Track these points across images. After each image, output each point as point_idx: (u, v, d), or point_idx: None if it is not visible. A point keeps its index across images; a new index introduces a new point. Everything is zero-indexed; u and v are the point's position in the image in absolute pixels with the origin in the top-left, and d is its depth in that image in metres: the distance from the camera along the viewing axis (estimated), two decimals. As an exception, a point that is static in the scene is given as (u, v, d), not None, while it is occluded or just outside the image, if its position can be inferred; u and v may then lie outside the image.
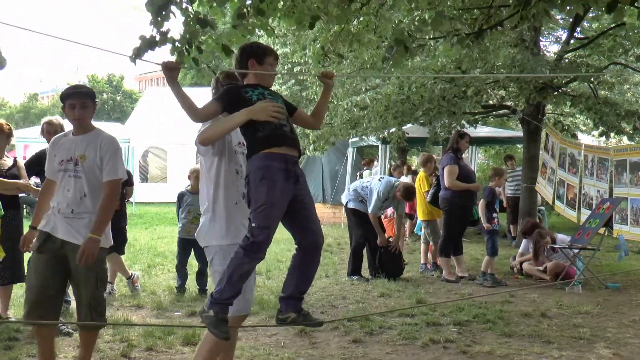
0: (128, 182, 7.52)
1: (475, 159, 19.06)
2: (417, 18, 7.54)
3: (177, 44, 5.67)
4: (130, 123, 28.28)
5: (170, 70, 3.69)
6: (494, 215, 8.89)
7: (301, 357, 5.47)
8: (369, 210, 8.89)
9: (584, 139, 18.16)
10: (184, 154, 23.80)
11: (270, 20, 6.37)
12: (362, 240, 9.14)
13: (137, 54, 5.45)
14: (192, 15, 5.64)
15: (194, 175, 7.96)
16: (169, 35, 5.57)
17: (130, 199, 17.52)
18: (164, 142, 25.17)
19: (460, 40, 8.98)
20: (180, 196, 8.13)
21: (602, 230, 9.13)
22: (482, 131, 16.08)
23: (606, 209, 9.10)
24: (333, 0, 6.54)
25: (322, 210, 17.85)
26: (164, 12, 5.43)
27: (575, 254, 8.89)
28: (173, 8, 5.52)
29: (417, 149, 21.85)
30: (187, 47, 5.71)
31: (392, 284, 8.54)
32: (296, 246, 3.65)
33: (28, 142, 20.92)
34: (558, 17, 14.26)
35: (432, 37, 8.90)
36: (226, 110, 3.67)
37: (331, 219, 16.96)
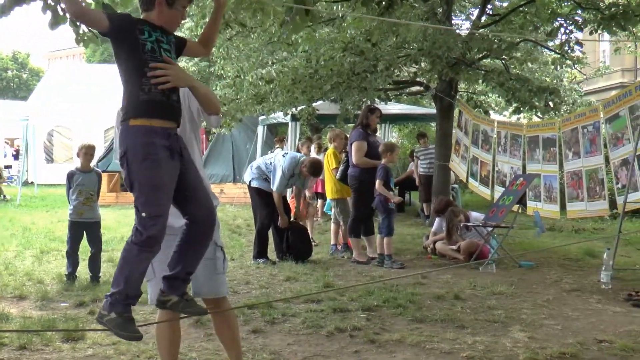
0: None
1: (389, 137, 18.79)
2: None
3: (49, 1, 4.85)
4: (32, 101, 26.85)
5: None
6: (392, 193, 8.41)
7: (194, 351, 4.85)
8: (273, 188, 8.31)
9: (497, 118, 18.11)
10: (90, 132, 22.77)
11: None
12: (267, 221, 8.56)
13: (1, 12, 4.62)
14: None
15: (83, 152, 7.18)
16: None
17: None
18: (69, 121, 24.01)
19: (369, 9, 8.49)
20: (70, 175, 7.29)
21: (515, 207, 8.87)
22: (395, 108, 15.77)
23: (519, 186, 8.85)
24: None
25: (233, 191, 17.24)
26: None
27: (489, 232, 8.60)
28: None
29: (330, 127, 21.44)
30: (60, 4, 4.91)
31: (300, 267, 8.01)
32: (186, 221, 3.16)
33: None
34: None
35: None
36: (108, 35, 2.98)
37: (242, 200, 16.29)
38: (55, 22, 4.87)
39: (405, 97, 17.23)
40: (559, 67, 15.27)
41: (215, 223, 3.28)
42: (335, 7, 9.36)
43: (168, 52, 3.10)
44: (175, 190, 3.07)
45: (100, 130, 23.84)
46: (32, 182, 21.17)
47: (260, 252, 8.48)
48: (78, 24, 5.26)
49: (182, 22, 3.32)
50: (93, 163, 7.88)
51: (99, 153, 17.46)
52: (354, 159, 8.48)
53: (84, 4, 3.13)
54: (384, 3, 8.20)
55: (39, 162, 21.60)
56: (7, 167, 23.77)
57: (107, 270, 7.80)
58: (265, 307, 5.92)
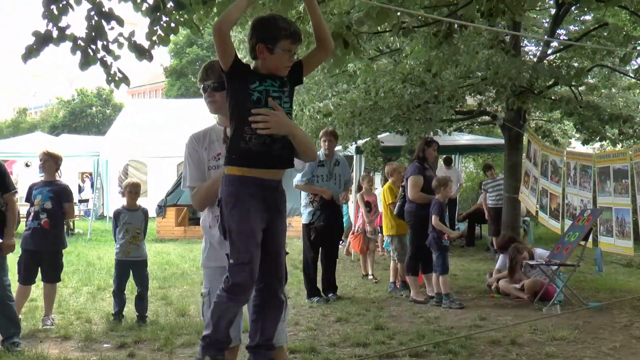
0: (65, 199, 6.86)
1: (459, 168, 18.31)
2: (360, 10, 6.73)
3: (79, 42, 4.87)
4: (109, 136, 27.75)
5: None
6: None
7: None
8: (297, 181, 8.07)
9: (579, 147, 17.31)
10: (164, 167, 23.26)
11: (194, 15, 5.60)
12: (310, 254, 8.36)
13: (29, 53, 4.67)
14: (94, 8, 4.87)
15: (128, 191, 7.20)
16: (67, 32, 4.79)
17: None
18: (144, 155, 24.60)
19: (428, 39, 8.25)
20: (117, 214, 7.33)
21: (584, 243, 8.34)
22: (463, 139, 15.36)
23: (586, 221, 8.32)
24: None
25: (300, 224, 17.04)
26: (60, 4, 4.65)
27: (553, 271, 8.10)
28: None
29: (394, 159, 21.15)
30: (91, 45, 4.93)
31: (353, 307, 7.75)
32: (256, 287, 3.13)
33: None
34: (539, 17, 13.61)
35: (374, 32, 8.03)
36: (226, 72, 3.04)
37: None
38: (86, 62, 4.89)
39: (477, 127, 16.83)
40: (638, 93, 14.59)
41: (280, 294, 3.21)
42: (389, 39, 9.18)
43: (278, 99, 3.05)
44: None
45: (174, 164, 24.31)
46: (107, 217, 21.60)
47: (311, 290, 8.26)
48: (110, 63, 5.25)
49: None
50: (157, 197, 7.95)
51: (166, 188, 17.80)
52: (409, 194, 8.19)
53: None
54: (441, 33, 7.97)
55: (113, 196, 22.13)
56: (82, 201, 24.34)
57: (160, 309, 7.78)
58: (308, 352, 5.71)
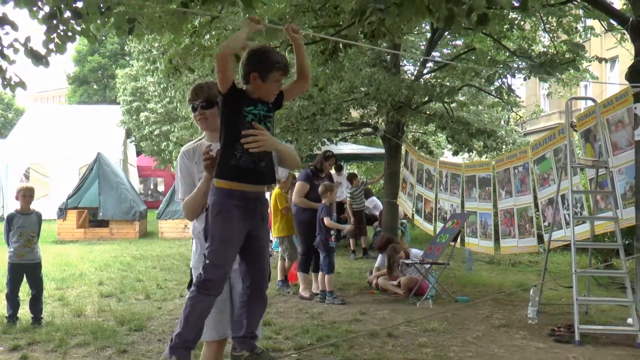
0: None
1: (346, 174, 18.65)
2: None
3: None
4: (10, 139, 26.37)
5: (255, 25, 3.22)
6: (332, 232, 8.17)
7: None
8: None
9: (450, 157, 18.01)
10: (65, 170, 22.45)
11: (92, 25, 5.40)
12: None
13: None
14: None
15: (22, 195, 6.85)
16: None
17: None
18: (45, 158, 23.63)
19: (315, 56, 8.35)
20: (10, 218, 6.92)
21: (454, 243, 8.70)
22: (348, 148, 15.69)
23: (455, 225, 8.70)
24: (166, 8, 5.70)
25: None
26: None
27: (427, 269, 8.40)
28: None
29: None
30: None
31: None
32: (244, 284, 3.28)
33: None
34: (416, 40, 14.08)
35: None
36: (223, 94, 3.14)
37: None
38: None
39: (360, 137, 17.17)
40: (500, 110, 15.35)
41: (266, 290, 3.34)
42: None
43: (268, 120, 3.22)
44: (244, 250, 3.21)
45: (75, 167, 23.44)
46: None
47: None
48: (5, 68, 4.99)
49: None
50: (44, 200, 7.53)
51: (68, 191, 17.10)
52: (293, 197, 8.31)
53: None
54: (327, 51, 8.09)
55: (13, 199, 20.96)
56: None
57: (57, 310, 7.44)
58: (196, 348, 5.62)
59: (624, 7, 8.61)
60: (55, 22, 5.13)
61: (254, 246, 3.24)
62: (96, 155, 17.34)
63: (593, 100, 7.20)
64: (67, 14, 5.20)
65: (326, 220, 8.02)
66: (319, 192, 8.16)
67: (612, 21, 9.07)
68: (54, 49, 5.37)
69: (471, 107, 15.49)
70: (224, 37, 7.61)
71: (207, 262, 3.11)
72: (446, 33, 12.09)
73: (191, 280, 7.92)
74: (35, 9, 4.98)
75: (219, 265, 3.12)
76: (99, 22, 5.57)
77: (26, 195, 6.92)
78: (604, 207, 7.12)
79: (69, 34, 5.32)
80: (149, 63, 9.18)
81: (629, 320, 6.14)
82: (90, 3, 5.15)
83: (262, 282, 3.30)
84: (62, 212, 16.52)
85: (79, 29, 5.40)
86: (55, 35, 5.33)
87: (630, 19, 6.02)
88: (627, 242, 7.46)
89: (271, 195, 9.03)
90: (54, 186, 23.00)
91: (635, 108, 5.95)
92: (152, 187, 33.29)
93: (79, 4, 5.27)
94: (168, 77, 8.05)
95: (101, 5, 5.30)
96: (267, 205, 3.32)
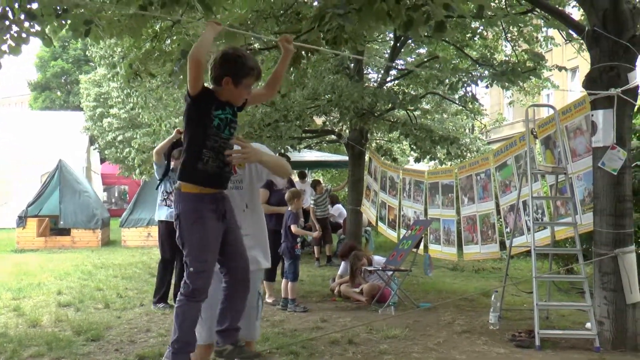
0: None
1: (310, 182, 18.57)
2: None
3: None
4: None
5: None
6: (297, 240, 8.08)
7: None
8: None
9: (420, 165, 18.01)
10: (27, 177, 21.97)
11: (47, 27, 5.24)
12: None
13: None
14: None
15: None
16: None
17: None
18: (6, 165, 23.16)
19: (276, 62, 8.25)
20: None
21: (416, 250, 8.68)
22: (312, 155, 15.61)
23: (417, 231, 8.67)
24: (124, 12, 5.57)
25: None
26: None
27: (389, 276, 8.34)
28: None
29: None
30: None
31: (203, 313, 7.54)
32: (225, 279, 3.36)
33: None
34: (380, 47, 14.10)
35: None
36: (192, 97, 3.13)
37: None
38: None
39: (325, 144, 17.12)
40: (464, 118, 15.46)
41: (248, 282, 3.39)
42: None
43: (234, 124, 3.27)
44: (221, 246, 3.26)
45: (37, 175, 22.93)
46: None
47: (161, 297, 7.99)
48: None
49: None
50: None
51: (28, 199, 16.68)
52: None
53: None
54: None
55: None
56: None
57: (11, 321, 7.19)
58: (157, 358, 5.47)
59: (582, 17, 8.73)
60: (7, 23, 4.98)
61: (230, 238, 3.29)
62: (57, 162, 16.96)
63: (552, 107, 7.26)
64: (22, 15, 5.06)
65: (293, 228, 7.93)
66: (285, 198, 8.05)
67: (570, 31, 9.19)
68: (7, 51, 5.21)
69: (435, 115, 15.57)
70: (185, 43, 7.48)
71: (192, 269, 3.18)
72: (409, 41, 12.13)
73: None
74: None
75: (203, 271, 3.19)
76: (55, 24, 5.42)
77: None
78: (564, 213, 7.17)
79: (23, 35, 5.18)
80: (110, 68, 8.99)
81: (588, 325, 6.16)
82: (45, 4, 5.01)
83: (242, 274, 3.34)
84: (22, 220, 16.09)
85: (33, 30, 5.26)
86: (8, 36, 5.17)
87: (587, 28, 6.07)
88: (587, 247, 7.51)
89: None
90: (14, 194, 22.48)
91: (592, 115, 5.99)
92: (116, 194, 32.81)
93: (34, 5, 5.13)
94: (128, 82, 7.90)
95: (57, 7, 5.17)
96: (229, 200, 3.36)
